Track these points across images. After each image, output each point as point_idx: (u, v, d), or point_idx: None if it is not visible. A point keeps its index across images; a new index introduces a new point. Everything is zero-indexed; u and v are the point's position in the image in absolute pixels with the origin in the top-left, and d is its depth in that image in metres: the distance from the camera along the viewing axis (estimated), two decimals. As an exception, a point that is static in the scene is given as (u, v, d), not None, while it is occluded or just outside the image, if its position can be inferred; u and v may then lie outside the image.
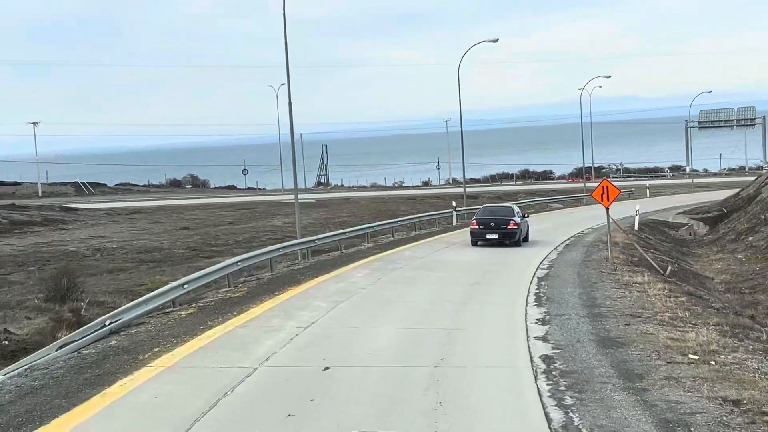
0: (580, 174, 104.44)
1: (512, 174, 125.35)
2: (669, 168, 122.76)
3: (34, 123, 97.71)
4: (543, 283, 21.93)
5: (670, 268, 25.87)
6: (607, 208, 26.56)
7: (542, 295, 19.78)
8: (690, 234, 45.34)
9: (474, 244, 32.68)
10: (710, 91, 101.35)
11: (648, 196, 73.46)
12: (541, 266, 25.79)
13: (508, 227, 32.25)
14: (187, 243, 45.74)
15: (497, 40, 47.40)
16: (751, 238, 35.97)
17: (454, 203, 48.06)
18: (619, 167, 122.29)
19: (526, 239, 34.23)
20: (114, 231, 53.96)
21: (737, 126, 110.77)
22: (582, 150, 78.59)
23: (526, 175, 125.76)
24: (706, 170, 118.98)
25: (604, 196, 25.92)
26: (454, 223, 45.92)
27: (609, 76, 70.89)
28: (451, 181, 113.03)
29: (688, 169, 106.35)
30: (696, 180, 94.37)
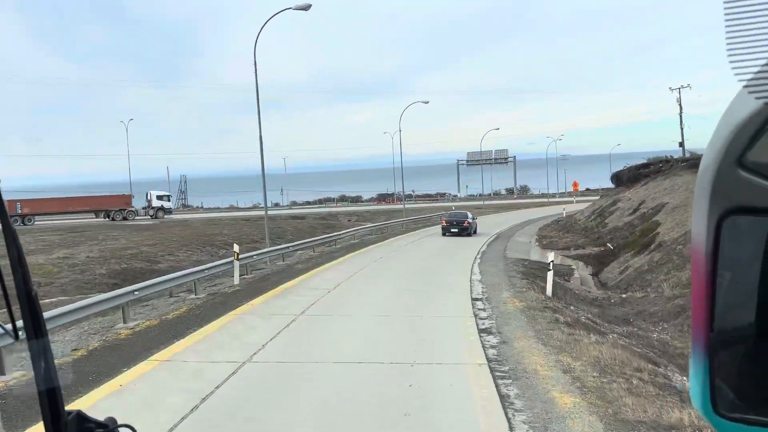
0: (381, 198, 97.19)
1: (333, 198, 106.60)
2: (436, 193, 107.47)
3: None
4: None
5: None
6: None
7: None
8: (581, 283, 19.99)
9: (444, 234, 30.16)
10: (498, 128, 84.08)
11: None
12: None
13: (464, 224, 30.66)
14: None
15: (300, 11, 21.87)
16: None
17: (236, 247, 16.10)
18: (411, 193, 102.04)
19: (475, 232, 31.68)
20: None
21: (495, 163, 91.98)
22: (403, 181, 53.76)
23: (343, 198, 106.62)
24: (455, 196, 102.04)
25: None
26: (237, 281, 15.60)
27: (427, 102, 47.86)
28: (291, 204, 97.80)
29: (460, 195, 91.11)
30: (472, 203, 73.60)
